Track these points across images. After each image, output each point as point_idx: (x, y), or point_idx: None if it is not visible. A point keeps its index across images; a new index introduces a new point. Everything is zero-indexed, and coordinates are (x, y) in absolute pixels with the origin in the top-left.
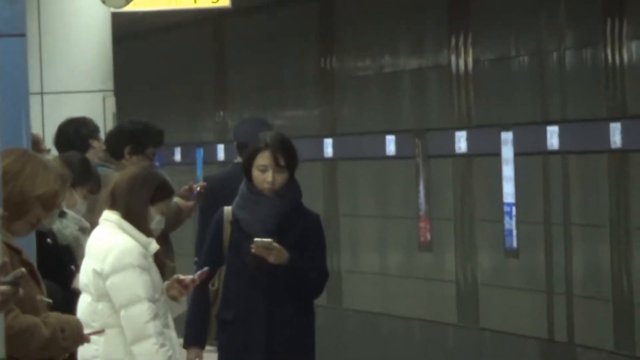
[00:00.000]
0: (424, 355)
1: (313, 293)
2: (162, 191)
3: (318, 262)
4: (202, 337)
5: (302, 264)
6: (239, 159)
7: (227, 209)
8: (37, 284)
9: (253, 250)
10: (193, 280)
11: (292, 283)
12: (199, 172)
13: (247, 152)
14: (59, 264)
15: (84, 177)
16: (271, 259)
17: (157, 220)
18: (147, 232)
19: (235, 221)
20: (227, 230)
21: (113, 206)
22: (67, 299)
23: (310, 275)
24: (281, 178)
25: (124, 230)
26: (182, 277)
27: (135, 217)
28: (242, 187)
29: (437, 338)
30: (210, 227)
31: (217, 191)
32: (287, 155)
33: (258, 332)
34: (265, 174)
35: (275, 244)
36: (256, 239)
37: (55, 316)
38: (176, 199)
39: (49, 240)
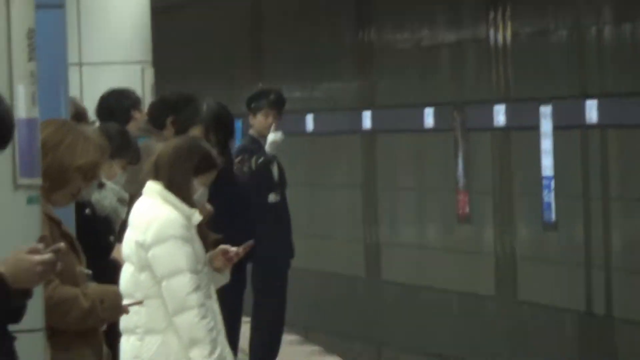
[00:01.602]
0: (462, 327)
1: None
2: (206, 163)
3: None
4: None
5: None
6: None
7: None
8: (76, 256)
9: None
10: (237, 253)
11: None
12: (238, 144)
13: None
14: (97, 234)
15: (122, 148)
16: None
17: (200, 192)
18: (190, 203)
19: None
20: None
21: (156, 177)
22: (106, 269)
23: None
24: None
25: (167, 201)
26: (227, 248)
27: (178, 188)
28: None
29: (475, 310)
30: None
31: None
32: (219, 133)
33: None
34: None
35: None
36: None
37: (94, 287)
38: None
39: (87, 211)
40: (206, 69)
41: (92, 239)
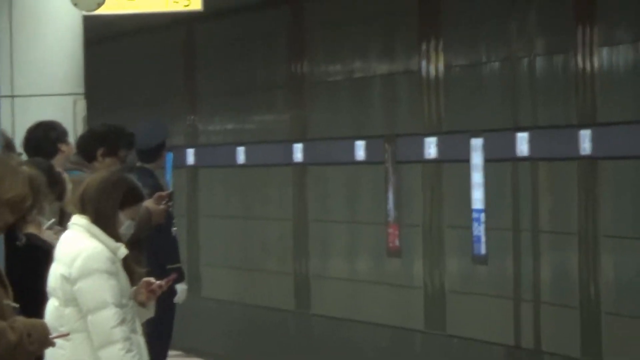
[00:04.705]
0: None
1: None
2: (132, 196)
3: None
4: None
5: None
6: (140, 163)
7: None
8: (3, 289)
9: None
10: (160, 286)
11: None
12: (169, 176)
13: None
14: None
15: (50, 184)
16: None
17: (126, 225)
18: (116, 237)
19: None
20: None
21: (82, 210)
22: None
23: None
24: None
25: (93, 235)
26: (150, 280)
27: (104, 222)
28: None
29: (405, 344)
30: None
31: None
32: None
33: None
34: None
35: None
36: None
37: (21, 320)
38: (146, 203)
39: (18, 243)
40: (139, 101)
41: (22, 271)
